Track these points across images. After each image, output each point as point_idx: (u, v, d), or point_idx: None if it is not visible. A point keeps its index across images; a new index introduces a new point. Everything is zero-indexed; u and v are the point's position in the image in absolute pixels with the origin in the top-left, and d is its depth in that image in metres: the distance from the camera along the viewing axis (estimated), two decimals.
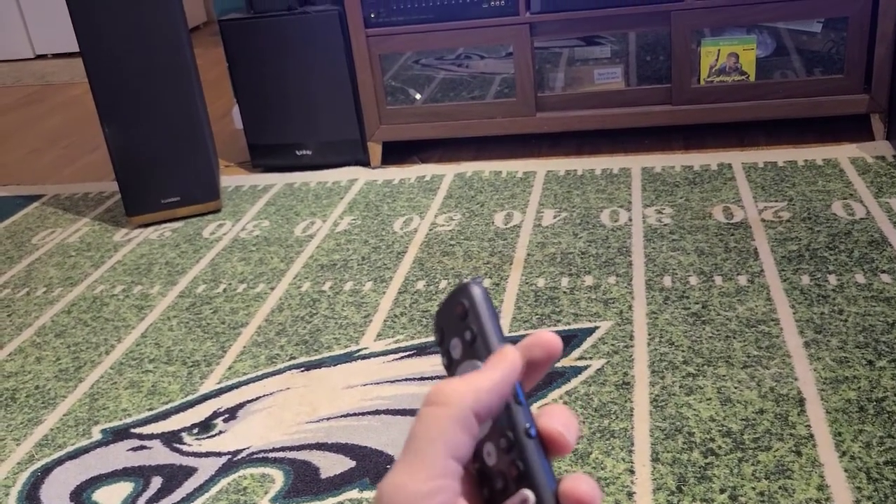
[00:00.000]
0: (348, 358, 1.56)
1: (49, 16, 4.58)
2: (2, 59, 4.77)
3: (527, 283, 1.72)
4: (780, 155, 2.18)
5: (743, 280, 1.63)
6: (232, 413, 1.45)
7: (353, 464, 1.29)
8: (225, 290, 1.86)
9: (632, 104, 2.29)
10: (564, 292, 1.67)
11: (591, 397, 1.36)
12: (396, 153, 2.49)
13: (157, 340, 1.70)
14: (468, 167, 2.36)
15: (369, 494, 1.23)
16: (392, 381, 1.48)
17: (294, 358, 1.58)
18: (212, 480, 1.30)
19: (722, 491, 1.15)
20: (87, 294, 1.93)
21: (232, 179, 2.50)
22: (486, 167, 2.34)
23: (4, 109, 3.75)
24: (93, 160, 2.87)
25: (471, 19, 2.26)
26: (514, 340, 0.40)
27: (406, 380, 1.48)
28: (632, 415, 1.31)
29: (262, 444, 1.37)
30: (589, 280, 1.70)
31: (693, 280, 1.65)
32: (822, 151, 2.17)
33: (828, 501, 1.11)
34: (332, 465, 1.30)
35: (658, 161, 2.23)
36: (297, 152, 2.47)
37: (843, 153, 2.14)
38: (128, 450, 1.40)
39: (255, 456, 1.34)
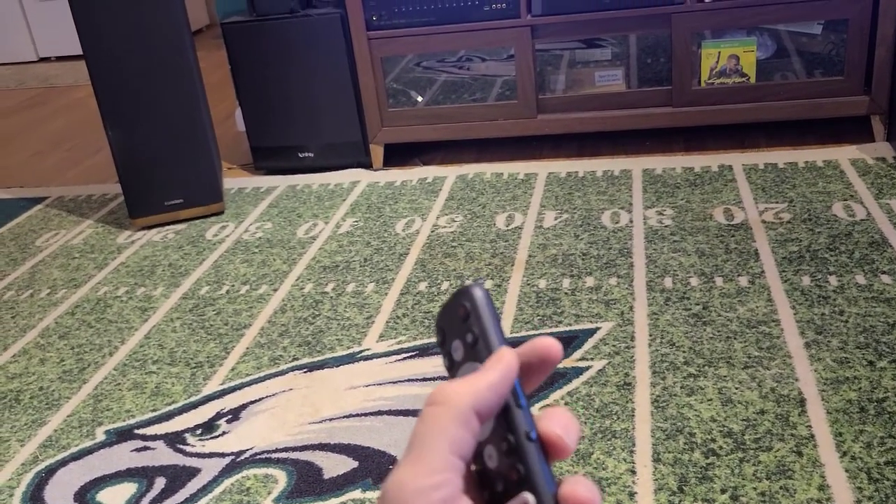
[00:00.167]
0: (351, 359, 1.57)
1: (52, 19, 4.59)
2: (5, 61, 4.78)
3: (528, 285, 1.73)
4: (781, 156, 2.18)
5: (744, 281, 1.64)
6: (235, 414, 1.46)
7: (355, 464, 1.30)
8: (228, 292, 1.87)
9: (632, 106, 2.30)
10: (566, 293, 1.68)
11: (593, 398, 1.37)
12: (398, 155, 2.50)
13: (160, 342, 1.71)
14: (470, 169, 2.36)
15: (372, 495, 1.24)
16: (394, 382, 1.48)
17: (297, 359, 1.59)
18: (215, 481, 1.31)
19: (723, 491, 1.15)
20: (90, 296, 1.93)
21: (235, 182, 2.51)
22: (488, 169, 2.34)
23: (8, 112, 3.76)
24: (96, 162, 2.88)
25: (472, 22, 2.27)
26: (516, 342, 0.40)
27: (408, 381, 1.48)
28: (633, 415, 1.32)
29: (265, 444, 1.37)
30: (590, 281, 1.71)
31: (694, 281, 1.66)
32: (822, 153, 2.17)
33: (829, 502, 1.12)
34: (334, 466, 1.30)
35: (659, 163, 2.24)
36: (300, 154, 2.48)
37: (844, 155, 2.14)
38: (131, 451, 1.40)
39: (258, 456, 1.35)
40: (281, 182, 2.46)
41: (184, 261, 2.05)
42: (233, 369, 1.59)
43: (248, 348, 1.65)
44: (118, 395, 1.56)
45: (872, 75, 2.14)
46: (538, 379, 0.42)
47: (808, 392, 1.32)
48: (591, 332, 1.54)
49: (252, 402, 1.48)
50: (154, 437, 1.43)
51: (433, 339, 1.58)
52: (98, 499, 1.31)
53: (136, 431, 1.45)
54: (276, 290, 1.85)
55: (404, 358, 1.55)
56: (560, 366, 1.45)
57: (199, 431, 1.43)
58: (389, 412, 1.41)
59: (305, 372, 1.55)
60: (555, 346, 0.41)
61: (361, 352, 1.58)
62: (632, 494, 1.17)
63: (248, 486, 1.29)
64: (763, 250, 1.74)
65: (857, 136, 2.23)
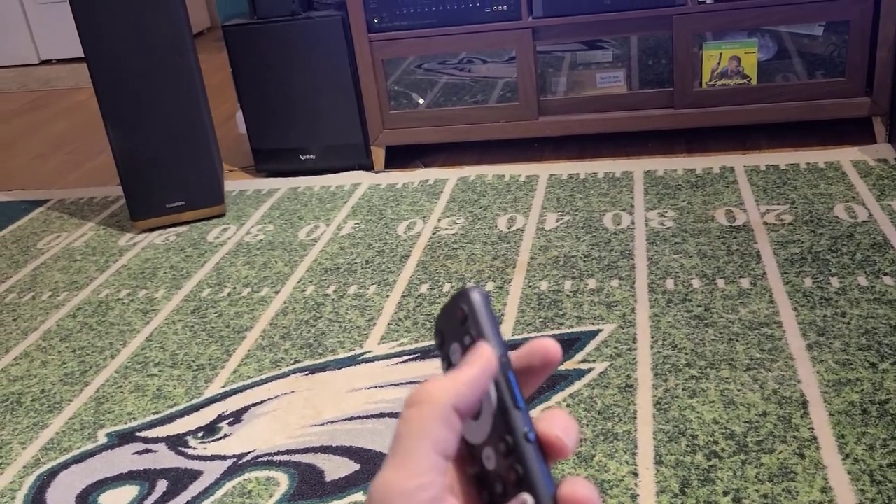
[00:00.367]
0: (352, 361, 1.57)
1: (54, 21, 4.59)
2: (7, 64, 4.79)
3: (530, 287, 1.72)
4: (782, 158, 2.18)
5: (745, 283, 1.63)
6: (237, 416, 1.46)
7: (357, 467, 1.30)
8: (229, 294, 1.87)
9: (634, 108, 2.30)
10: (567, 295, 1.67)
11: (595, 400, 1.37)
12: (400, 157, 2.50)
13: (161, 344, 1.71)
14: (471, 171, 2.36)
15: None
16: (396, 385, 1.48)
17: (298, 361, 1.59)
18: (217, 484, 1.31)
19: (725, 493, 1.15)
20: (92, 298, 1.94)
21: (236, 184, 2.51)
22: (489, 171, 2.34)
23: (9, 115, 3.76)
24: (97, 165, 2.89)
25: (473, 24, 2.27)
26: (516, 344, 0.40)
27: (410, 383, 1.48)
28: (635, 417, 1.32)
29: (266, 447, 1.37)
30: (592, 283, 1.71)
31: (696, 283, 1.66)
32: (824, 154, 2.17)
33: None
34: (336, 469, 1.30)
35: (660, 164, 2.23)
36: (301, 157, 2.48)
37: (845, 156, 2.14)
38: (133, 453, 1.40)
39: (259, 459, 1.35)
40: (282, 184, 2.46)
41: (185, 263, 2.05)
42: (234, 372, 1.59)
43: (249, 351, 1.64)
44: (120, 398, 1.56)
45: (874, 77, 2.14)
46: (537, 381, 0.42)
47: (810, 394, 1.32)
48: (593, 334, 1.54)
49: (254, 405, 1.48)
50: (156, 440, 1.43)
51: (434, 342, 1.58)
52: (100, 501, 1.31)
53: (138, 434, 1.45)
54: (277, 292, 1.85)
55: (406, 360, 1.55)
56: (562, 368, 1.45)
57: (200, 434, 1.43)
58: (391, 415, 1.41)
59: (307, 374, 1.55)
60: (554, 347, 0.41)
61: (363, 354, 1.58)
62: (634, 497, 1.17)
63: (249, 488, 1.29)
64: (765, 252, 1.74)
65: (858, 137, 2.23)
